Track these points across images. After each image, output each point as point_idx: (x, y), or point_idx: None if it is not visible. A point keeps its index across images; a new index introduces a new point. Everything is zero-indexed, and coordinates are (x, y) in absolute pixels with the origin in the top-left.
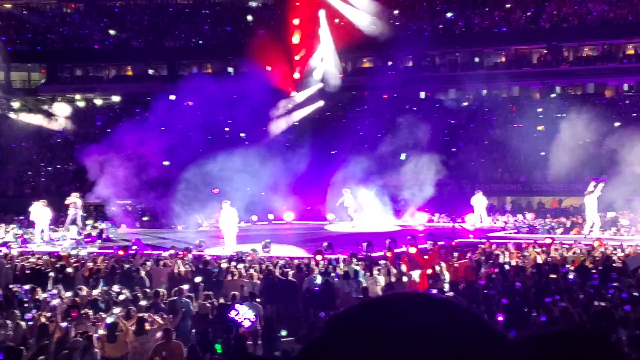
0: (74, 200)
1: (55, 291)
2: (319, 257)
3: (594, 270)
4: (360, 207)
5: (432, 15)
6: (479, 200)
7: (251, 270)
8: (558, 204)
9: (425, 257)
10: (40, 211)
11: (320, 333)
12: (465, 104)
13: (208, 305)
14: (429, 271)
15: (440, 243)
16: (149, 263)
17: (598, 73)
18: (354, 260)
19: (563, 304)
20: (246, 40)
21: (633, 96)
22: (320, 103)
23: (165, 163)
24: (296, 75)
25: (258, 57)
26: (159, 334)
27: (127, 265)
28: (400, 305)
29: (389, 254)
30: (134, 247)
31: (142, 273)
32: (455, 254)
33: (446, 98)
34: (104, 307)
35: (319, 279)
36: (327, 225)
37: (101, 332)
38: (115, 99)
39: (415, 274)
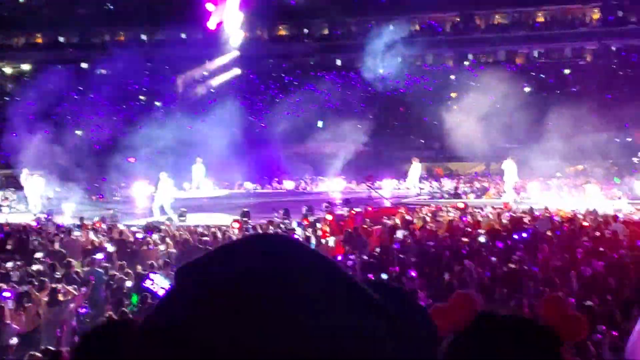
0: None
1: None
2: (235, 225)
3: (504, 233)
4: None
5: None
6: (414, 168)
7: (167, 240)
8: (486, 168)
9: (342, 223)
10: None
11: (174, 283)
12: (381, 71)
13: (120, 275)
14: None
15: (357, 209)
16: (62, 235)
17: (509, 40)
18: (271, 227)
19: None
20: (160, 8)
21: (544, 63)
22: (237, 71)
23: (78, 132)
24: (211, 43)
25: (173, 25)
26: (72, 305)
27: (34, 237)
28: (245, 247)
29: (305, 222)
30: (46, 218)
31: (57, 245)
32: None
33: (362, 66)
34: (17, 279)
35: None
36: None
37: (11, 304)
38: (26, 67)
39: (331, 240)
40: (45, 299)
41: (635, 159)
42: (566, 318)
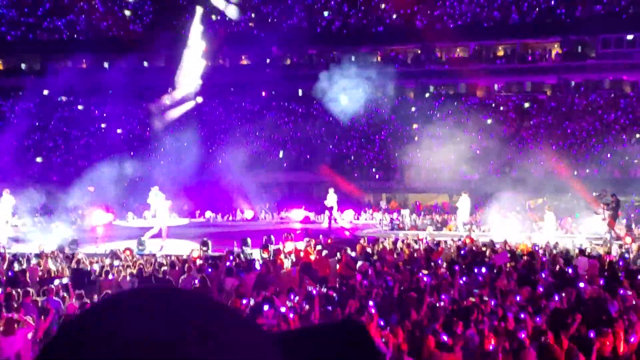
0: None
1: None
2: (195, 254)
3: (464, 267)
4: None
5: (310, 13)
6: (331, 199)
7: (128, 269)
8: (448, 200)
9: (302, 254)
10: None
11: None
12: (342, 102)
13: (76, 304)
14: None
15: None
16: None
17: (470, 73)
18: (230, 257)
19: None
20: (123, 35)
21: (504, 96)
22: (199, 100)
23: (38, 160)
24: (175, 72)
25: (135, 53)
26: (29, 335)
27: None
28: (142, 301)
29: (264, 254)
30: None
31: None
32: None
33: (324, 96)
34: None
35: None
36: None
37: None
38: None
39: (292, 270)
40: (1, 328)
41: (594, 193)
42: None
